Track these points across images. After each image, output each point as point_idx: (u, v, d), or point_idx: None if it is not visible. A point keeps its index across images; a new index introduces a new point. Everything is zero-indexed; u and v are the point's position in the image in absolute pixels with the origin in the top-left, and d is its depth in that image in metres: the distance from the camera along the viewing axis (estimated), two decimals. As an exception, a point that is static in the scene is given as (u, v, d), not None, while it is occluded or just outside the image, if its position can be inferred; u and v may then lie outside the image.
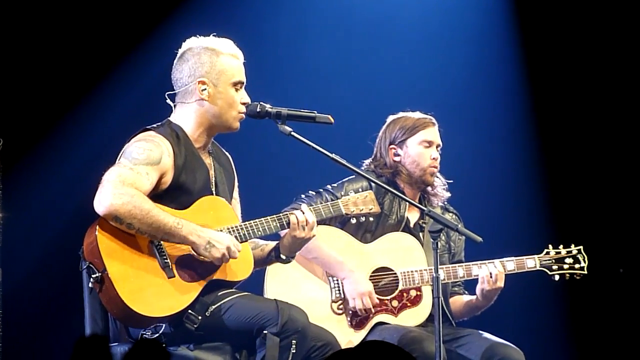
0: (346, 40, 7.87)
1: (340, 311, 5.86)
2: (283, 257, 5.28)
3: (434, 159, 6.04)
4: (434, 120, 6.10)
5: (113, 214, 4.84)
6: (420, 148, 6.05)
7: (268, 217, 5.19)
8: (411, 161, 6.05)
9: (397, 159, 6.07)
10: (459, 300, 6.10)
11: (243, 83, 5.22)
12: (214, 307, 5.01)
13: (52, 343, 7.12)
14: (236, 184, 5.43)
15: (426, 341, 5.63)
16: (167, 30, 7.24)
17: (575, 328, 7.83)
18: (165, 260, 4.94)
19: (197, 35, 5.27)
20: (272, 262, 5.35)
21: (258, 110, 5.19)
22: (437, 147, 6.08)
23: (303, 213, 5.20)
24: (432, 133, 6.07)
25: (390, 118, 6.16)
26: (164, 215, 4.90)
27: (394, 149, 6.08)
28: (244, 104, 5.20)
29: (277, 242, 5.30)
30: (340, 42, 7.86)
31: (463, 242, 6.15)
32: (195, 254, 5.00)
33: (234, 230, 5.09)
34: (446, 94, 7.75)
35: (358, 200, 5.44)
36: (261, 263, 5.35)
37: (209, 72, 5.16)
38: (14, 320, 6.97)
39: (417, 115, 6.11)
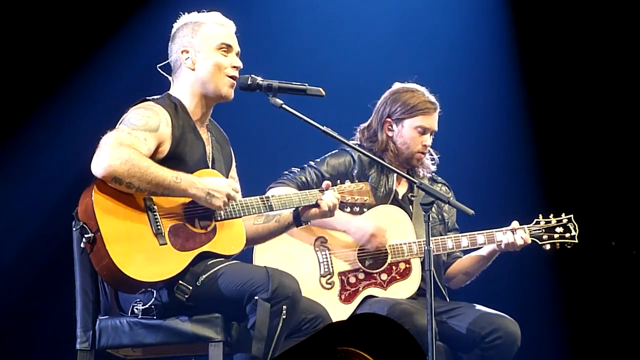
0: (339, 16, 7.88)
1: (329, 285, 5.87)
2: (304, 223, 5.37)
3: (424, 145, 6.02)
4: (436, 105, 6.04)
5: (112, 175, 4.84)
6: (415, 132, 6.01)
7: (263, 197, 5.21)
8: (402, 142, 6.03)
9: (390, 134, 6.05)
10: (465, 259, 6.10)
11: (230, 46, 5.21)
12: (204, 276, 5.00)
13: (43, 316, 7.13)
14: (234, 164, 5.45)
15: (416, 314, 5.62)
16: (167, 2, 7.21)
17: (567, 298, 7.86)
18: (159, 227, 4.94)
19: (185, 12, 5.27)
20: (291, 229, 5.42)
21: (249, 82, 5.18)
22: (431, 134, 6.04)
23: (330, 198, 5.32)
24: (431, 120, 6.02)
25: (396, 86, 6.12)
26: (162, 171, 4.92)
27: (389, 122, 6.06)
28: (234, 67, 5.20)
29: (291, 211, 5.33)
30: (334, 17, 7.86)
31: (455, 211, 6.15)
32: (188, 225, 5.02)
33: (228, 207, 5.10)
34: (437, 66, 7.74)
35: (354, 190, 5.45)
36: (277, 233, 5.42)
37: (191, 42, 5.19)
38: (5, 293, 7.00)
39: (422, 95, 6.04)
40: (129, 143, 4.90)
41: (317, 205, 5.30)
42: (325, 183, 5.38)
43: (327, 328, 3.72)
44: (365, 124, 6.13)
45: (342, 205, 5.41)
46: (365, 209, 5.55)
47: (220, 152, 5.32)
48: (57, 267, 6.05)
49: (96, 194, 4.88)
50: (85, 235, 4.87)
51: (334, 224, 5.86)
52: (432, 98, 6.06)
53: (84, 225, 4.88)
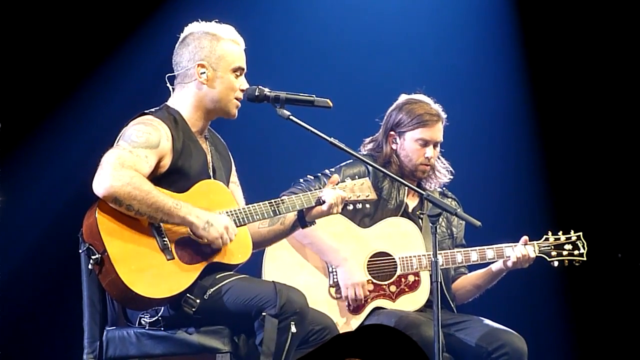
0: (347, 26, 7.87)
1: (338, 296, 5.86)
2: (309, 224, 5.34)
3: (427, 157, 5.99)
4: (440, 116, 6.01)
5: (112, 196, 4.83)
6: (416, 145, 5.98)
7: (266, 202, 5.20)
8: (404, 155, 6.01)
9: (393, 146, 6.04)
10: (471, 275, 6.08)
11: (243, 70, 5.22)
12: (212, 290, 5.00)
13: (50, 326, 7.13)
14: (234, 169, 5.44)
15: (424, 325, 5.62)
16: (168, 14, 7.23)
17: (575, 314, 7.85)
18: (165, 242, 4.94)
19: (199, 20, 5.27)
20: (296, 230, 5.39)
21: (257, 94, 5.18)
22: (435, 145, 6.01)
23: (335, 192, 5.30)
24: (432, 131, 5.98)
25: (402, 98, 6.09)
26: (163, 197, 4.90)
27: (393, 135, 6.05)
28: (242, 90, 5.20)
29: (295, 212, 5.30)
30: (340, 27, 7.86)
31: (464, 227, 6.14)
32: (194, 236, 5.00)
33: (232, 214, 5.09)
34: (446, 78, 7.74)
35: (355, 187, 5.44)
36: (283, 235, 5.40)
37: (209, 56, 5.16)
38: (12, 303, 6.99)
39: (425, 106, 6.01)
40: (131, 164, 4.88)
41: (320, 203, 5.28)
42: (334, 176, 5.37)
43: (334, 339, 3.72)
44: (372, 137, 6.12)
45: (346, 203, 5.38)
46: (368, 205, 5.52)
47: (221, 160, 5.32)
48: (64, 278, 6.04)
49: (100, 214, 4.87)
50: (93, 257, 4.86)
51: (331, 258, 5.85)
52: (436, 109, 6.03)
53: (90, 246, 4.88)
